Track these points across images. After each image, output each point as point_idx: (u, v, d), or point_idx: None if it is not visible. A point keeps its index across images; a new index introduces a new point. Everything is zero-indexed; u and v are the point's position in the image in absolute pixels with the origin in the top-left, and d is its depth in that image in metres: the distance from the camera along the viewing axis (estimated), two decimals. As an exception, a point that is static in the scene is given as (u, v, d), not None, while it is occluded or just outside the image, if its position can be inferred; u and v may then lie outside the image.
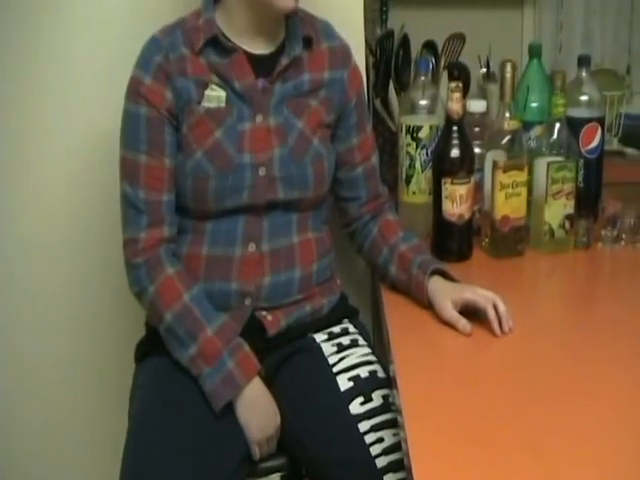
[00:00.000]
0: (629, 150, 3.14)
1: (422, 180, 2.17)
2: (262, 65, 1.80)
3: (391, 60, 2.48)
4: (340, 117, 1.91)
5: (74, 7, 2.09)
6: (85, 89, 2.13)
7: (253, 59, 1.80)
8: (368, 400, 1.72)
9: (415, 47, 2.55)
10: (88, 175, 2.18)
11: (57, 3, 2.09)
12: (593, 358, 1.61)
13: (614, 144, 3.11)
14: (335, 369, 1.79)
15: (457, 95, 1.98)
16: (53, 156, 2.17)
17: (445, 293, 1.78)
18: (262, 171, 1.78)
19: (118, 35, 2.09)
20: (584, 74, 2.26)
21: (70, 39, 2.10)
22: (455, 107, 1.98)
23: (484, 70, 3.07)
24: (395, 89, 2.48)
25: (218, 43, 1.78)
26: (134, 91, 1.77)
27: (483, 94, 2.98)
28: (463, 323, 1.71)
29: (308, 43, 1.85)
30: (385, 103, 2.48)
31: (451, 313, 1.74)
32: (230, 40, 1.78)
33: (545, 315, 1.85)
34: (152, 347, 1.86)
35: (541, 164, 2.08)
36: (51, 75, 2.11)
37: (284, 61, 1.80)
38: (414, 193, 2.19)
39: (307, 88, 1.84)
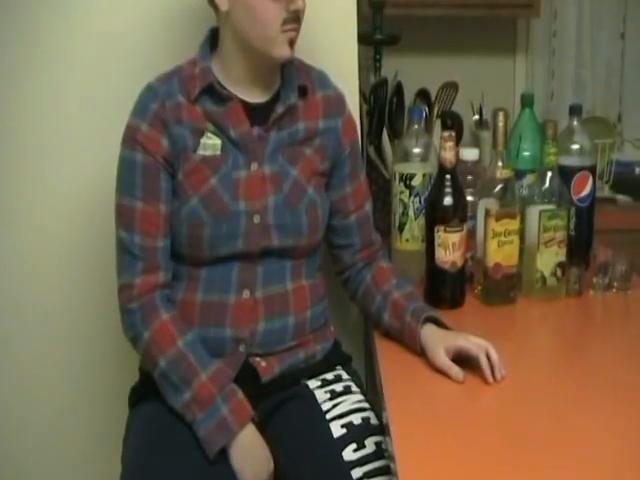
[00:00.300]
0: (620, 197, 3.18)
1: (415, 228, 2.19)
2: (257, 113, 1.82)
3: (385, 108, 2.51)
4: (334, 165, 1.93)
5: (70, 51, 2.12)
6: (84, 124, 2.15)
7: (248, 107, 1.82)
8: (361, 447, 1.72)
9: (409, 95, 2.59)
10: (87, 211, 2.20)
11: (51, 58, 2.12)
12: (586, 406, 1.61)
13: (605, 191, 3.15)
14: (328, 416, 1.78)
15: (450, 144, 2.00)
16: (51, 187, 2.18)
17: (438, 341, 1.78)
18: (257, 218, 1.79)
19: (114, 83, 2.11)
20: (575, 123, 2.28)
21: (66, 82, 2.13)
22: (448, 156, 2.00)
23: (477, 117, 3.12)
24: (389, 137, 2.51)
25: (214, 91, 1.80)
26: (130, 138, 1.79)
27: (476, 141, 3.02)
28: (456, 371, 1.72)
29: (303, 92, 1.87)
30: (379, 150, 2.50)
31: (444, 360, 1.74)
32: (226, 88, 1.81)
33: (537, 362, 1.86)
34: (146, 392, 1.85)
35: (533, 212, 2.10)
36: (48, 107, 2.14)
37: (279, 109, 1.83)
38: (407, 240, 2.21)
39: (302, 136, 1.86)
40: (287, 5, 1.74)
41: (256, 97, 1.84)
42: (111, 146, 1.84)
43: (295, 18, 1.76)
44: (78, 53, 2.12)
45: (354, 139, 1.99)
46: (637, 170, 3.51)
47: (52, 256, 2.22)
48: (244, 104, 1.82)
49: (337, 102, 1.94)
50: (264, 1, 1.72)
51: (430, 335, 1.81)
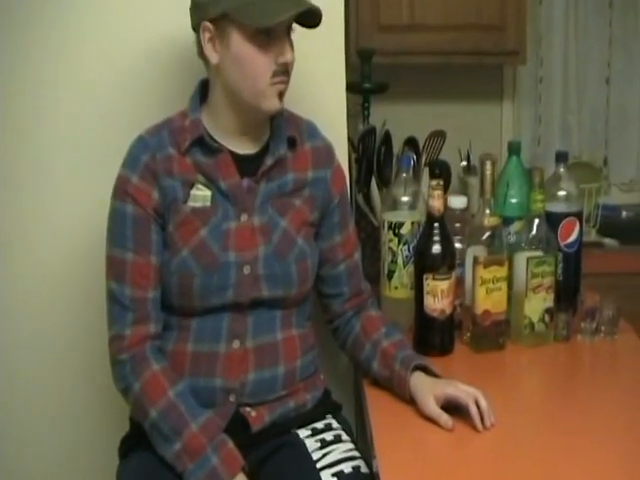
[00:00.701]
0: (607, 240, 3.20)
1: (404, 275, 2.20)
2: (247, 165, 1.84)
3: (373, 156, 2.53)
4: (323, 215, 1.94)
5: (64, 99, 2.15)
6: (77, 173, 2.18)
7: (238, 159, 1.84)
8: (352, 495, 1.72)
9: (397, 143, 2.61)
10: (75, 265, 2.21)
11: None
12: (576, 451, 1.62)
13: (592, 235, 3.17)
14: (319, 465, 1.79)
15: (438, 192, 2.02)
16: (49, 219, 2.20)
17: (427, 389, 1.79)
18: (247, 269, 1.80)
19: (106, 132, 2.14)
20: (562, 170, 2.30)
21: (59, 130, 2.16)
22: (436, 204, 2.02)
23: (464, 163, 3.14)
24: (377, 185, 2.53)
25: (204, 143, 1.82)
26: (121, 189, 1.81)
27: (464, 187, 3.04)
28: (445, 418, 1.72)
29: (292, 143, 1.89)
30: (367, 198, 2.52)
31: (433, 408, 1.75)
32: (216, 140, 1.83)
33: (527, 409, 1.87)
34: (136, 443, 1.85)
35: (521, 259, 2.12)
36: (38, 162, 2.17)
37: (269, 161, 1.84)
38: (396, 288, 2.22)
39: (291, 187, 1.88)
40: (276, 58, 1.76)
41: (246, 148, 1.86)
42: (101, 193, 1.87)
43: (284, 71, 1.78)
44: (69, 102, 2.14)
45: (343, 189, 2.01)
46: (624, 214, 3.54)
47: (36, 322, 2.23)
48: (234, 155, 1.84)
49: (326, 153, 1.96)
50: (253, 54, 1.75)
51: (419, 383, 1.82)
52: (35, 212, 2.18)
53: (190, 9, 1.81)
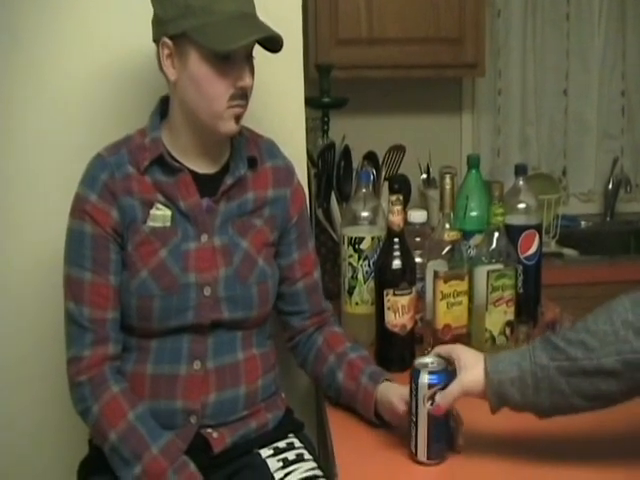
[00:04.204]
0: (566, 250, 3.23)
1: (365, 291, 2.20)
2: (207, 184, 1.83)
3: (333, 171, 2.53)
4: (282, 234, 1.94)
5: (21, 118, 2.13)
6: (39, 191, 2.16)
7: (198, 178, 1.82)
8: (314, 514, 1.72)
9: (356, 157, 2.61)
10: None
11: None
12: (543, 471, 1.63)
13: (552, 246, 3.20)
14: (281, 484, 1.79)
15: (398, 208, 2.02)
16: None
17: (396, 389, 1.77)
18: (207, 291, 1.79)
19: (67, 149, 2.12)
20: (521, 182, 2.31)
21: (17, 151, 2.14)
22: (396, 219, 2.02)
23: (424, 176, 3.16)
24: (337, 199, 2.53)
25: (164, 162, 1.80)
26: (79, 209, 1.78)
27: (424, 200, 3.06)
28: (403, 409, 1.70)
29: (252, 162, 1.88)
30: (327, 213, 2.52)
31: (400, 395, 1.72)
32: (176, 160, 1.81)
33: (489, 425, 1.86)
34: (96, 467, 1.83)
35: (481, 272, 2.12)
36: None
37: (229, 181, 1.83)
38: (357, 304, 2.21)
39: (251, 207, 1.87)
40: (234, 82, 1.74)
41: (205, 168, 1.85)
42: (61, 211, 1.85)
43: (242, 95, 1.76)
44: (28, 120, 2.12)
45: (302, 208, 1.99)
46: (583, 224, 3.59)
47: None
48: (194, 175, 1.82)
49: (286, 172, 1.95)
50: (211, 76, 1.73)
51: (388, 387, 1.80)
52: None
53: (152, 22, 1.78)
